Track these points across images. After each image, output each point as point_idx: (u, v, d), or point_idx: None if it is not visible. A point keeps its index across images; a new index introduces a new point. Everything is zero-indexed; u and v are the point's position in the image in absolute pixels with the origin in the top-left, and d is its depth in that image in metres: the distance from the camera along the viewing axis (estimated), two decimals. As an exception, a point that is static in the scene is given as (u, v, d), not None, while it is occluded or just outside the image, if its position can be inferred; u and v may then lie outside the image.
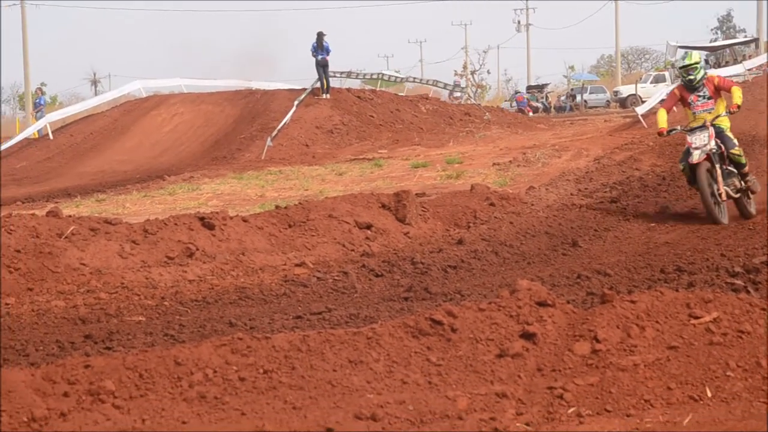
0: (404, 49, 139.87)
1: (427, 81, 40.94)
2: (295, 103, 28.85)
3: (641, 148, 17.89)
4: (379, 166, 20.89)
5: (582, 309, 5.84)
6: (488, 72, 71.26)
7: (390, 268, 9.72)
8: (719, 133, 11.28)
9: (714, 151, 11.16)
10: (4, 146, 31.70)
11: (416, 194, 12.75)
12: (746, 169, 11.48)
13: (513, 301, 5.51)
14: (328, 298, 8.68)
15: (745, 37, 60.31)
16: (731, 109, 11.27)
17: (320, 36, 30.04)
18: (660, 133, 11.87)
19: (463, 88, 44.01)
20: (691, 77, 11.45)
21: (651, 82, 51.63)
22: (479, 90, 47.78)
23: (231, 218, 10.47)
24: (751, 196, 11.60)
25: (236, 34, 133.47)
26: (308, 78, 35.01)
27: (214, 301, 8.63)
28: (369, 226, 11.06)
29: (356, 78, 40.13)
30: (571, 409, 4.79)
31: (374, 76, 40.14)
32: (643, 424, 4.64)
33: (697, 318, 5.30)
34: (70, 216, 10.32)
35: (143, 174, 23.37)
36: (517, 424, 4.68)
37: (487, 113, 32.02)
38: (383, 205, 11.68)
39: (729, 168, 11.34)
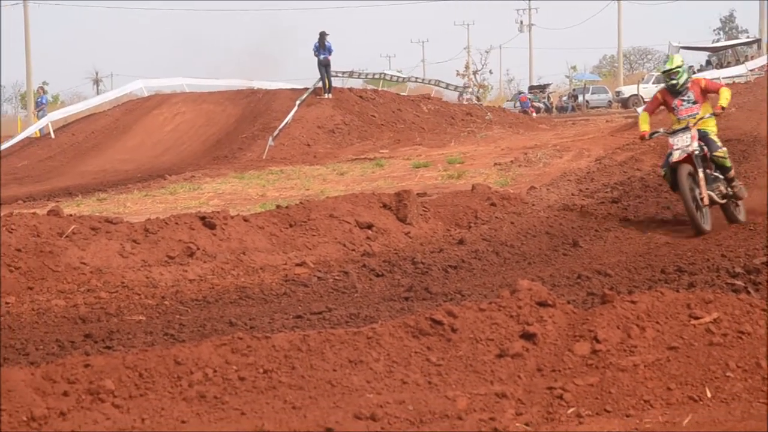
0: (406, 49, 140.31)
1: (430, 81, 40.97)
2: (297, 102, 28.87)
3: (642, 148, 17.83)
4: (380, 165, 20.88)
5: (582, 309, 5.84)
6: (490, 72, 71.53)
7: (391, 268, 9.72)
8: (703, 136, 10.95)
9: (696, 153, 10.79)
10: (6, 145, 31.76)
11: (417, 194, 12.73)
12: (732, 173, 11.08)
13: (513, 301, 5.51)
14: (329, 298, 8.67)
15: (748, 37, 60.28)
16: (715, 111, 10.99)
17: (322, 36, 30.05)
18: (642, 137, 11.39)
19: (471, 90, 43.91)
20: (674, 81, 11.16)
21: (653, 83, 51.59)
22: (481, 90, 47.75)
23: (232, 218, 10.46)
24: (739, 202, 11.25)
25: (239, 33, 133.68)
26: (310, 78, 35.07)
27: (214, 300, 8.63)
28: (370, 226, 11.05)
29: (358, 78, 40.16)
30: (571, 410, 4.80)
31: (376, 76, 40.15)
32: (643, 425, 4.64)
33: (697, 318, 5.30)
34: (71, 215, 10.31)
35: (144, 173, 23.38)
36: (517, 424, 4.68)
37: (488, 113, 32.01)
38: (384, 204, 11.67)
39: (714, 173, 10.98)
